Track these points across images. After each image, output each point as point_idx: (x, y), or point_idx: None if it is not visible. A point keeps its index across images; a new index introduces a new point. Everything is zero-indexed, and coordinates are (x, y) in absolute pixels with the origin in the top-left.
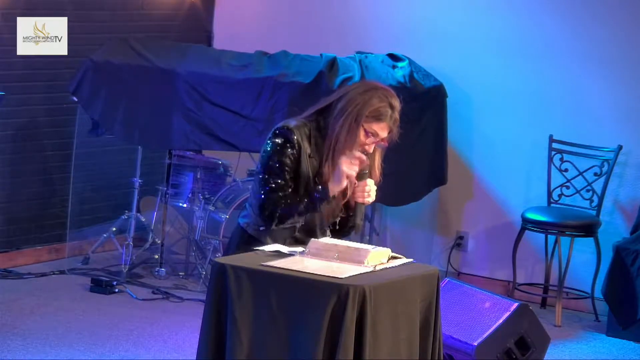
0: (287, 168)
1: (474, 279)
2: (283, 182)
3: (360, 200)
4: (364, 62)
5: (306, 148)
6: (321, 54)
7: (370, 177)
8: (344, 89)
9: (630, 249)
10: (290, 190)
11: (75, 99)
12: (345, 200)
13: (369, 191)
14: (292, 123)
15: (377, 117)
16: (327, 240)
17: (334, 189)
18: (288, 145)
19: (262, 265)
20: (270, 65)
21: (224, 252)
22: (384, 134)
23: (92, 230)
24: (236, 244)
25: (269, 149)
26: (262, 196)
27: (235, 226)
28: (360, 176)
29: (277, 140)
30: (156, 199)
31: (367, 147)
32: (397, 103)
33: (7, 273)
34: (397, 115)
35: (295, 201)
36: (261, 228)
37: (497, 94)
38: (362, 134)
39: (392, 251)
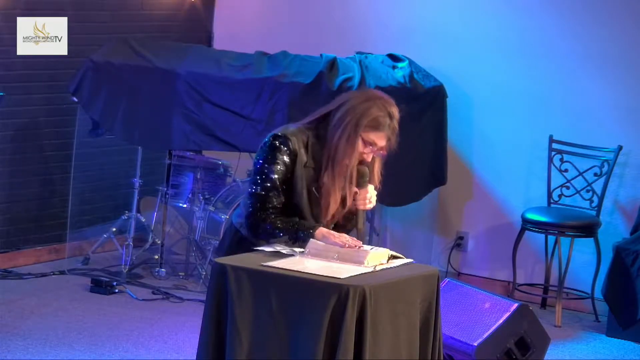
0: (279, 176)
1: (474, 280)
2: (273, 192)
3: (362, 207)
4: (364, 63)
5: (302, 156)
6: (321, 54)
7: (370, 183)
8: (343, 96)
9: (630, 249)
10: (281, 199)
11: (75, 99)
12: (345, 211)
13: (370, 198)
14: (290, 129)
15: (376, 127)
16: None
17: (319, 236)
18: (284, 152)
19: (262, 265)
20: (270, 66)
21: (216, 250)
22: (382, 143)
23: (92, 230)
24: (228, 243)
25: (264, 154)
26: (250, 207)
27: (229, 225)
28: (361, 184)
29: (273, 146)
30: (156, 199)
31: (365, 156)
32: (396, 112)
33: (7, 273)
34: (395, 124)
35: (283, 225)
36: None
37: (497, 94)
38: (360, 143)
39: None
